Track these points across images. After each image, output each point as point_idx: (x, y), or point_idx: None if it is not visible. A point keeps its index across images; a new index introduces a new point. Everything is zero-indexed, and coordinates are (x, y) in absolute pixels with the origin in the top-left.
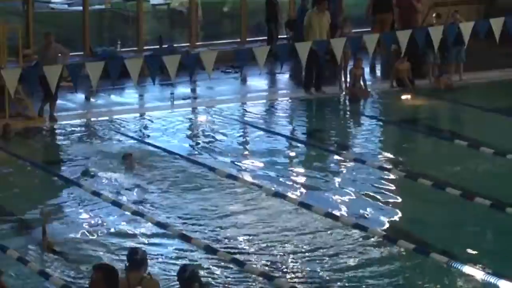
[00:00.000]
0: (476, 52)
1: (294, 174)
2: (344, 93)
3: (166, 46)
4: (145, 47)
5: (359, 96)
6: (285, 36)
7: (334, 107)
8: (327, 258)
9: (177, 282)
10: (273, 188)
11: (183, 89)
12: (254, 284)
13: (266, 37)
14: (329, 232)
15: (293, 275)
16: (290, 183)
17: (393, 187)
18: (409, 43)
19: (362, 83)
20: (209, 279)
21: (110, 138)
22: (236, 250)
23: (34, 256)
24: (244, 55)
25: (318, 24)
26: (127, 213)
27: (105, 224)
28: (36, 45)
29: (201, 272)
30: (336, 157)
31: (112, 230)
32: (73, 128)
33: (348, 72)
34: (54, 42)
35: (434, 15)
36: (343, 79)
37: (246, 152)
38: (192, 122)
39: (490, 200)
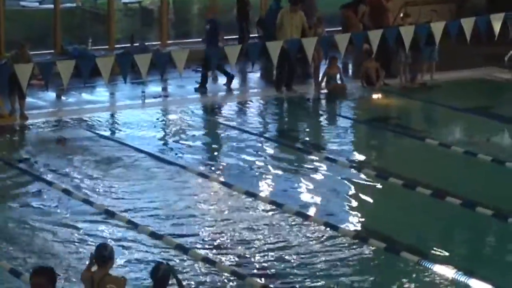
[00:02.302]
0: (447, 51)
1: (265, 173)
2: (314, 92)
3: (137, 44)
4: (116, 45)
5: (337, 93)
6: (256, 35)
7: (306, 106)
8: (298, 257)
9: (149, 280)
10: (244, 187)
11: (154, 88)
12: (225, 282)
13: (237, 36)
14: (300, 231)
15: (264, 274)
16: (261, 181)
17: (364, 186)
18: (380, 43)
19: (339, 81)
20: (181, 277)
21: (81, 136)
22: (207, 249)
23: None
24: (215, 54)
25: (290, 23)
26: (98, 211)
27: (74, 222)
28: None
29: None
30: (307, 156)
31: (82, 228)
32: (44, 126)
33: (323, 72)
34: (27, 51)
35: (401, 14)
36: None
37: (217, 151)
38: (163, 120)
39: (461, 200)
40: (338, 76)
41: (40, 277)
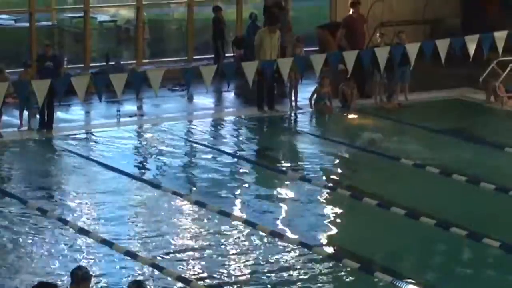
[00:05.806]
0: (422, 72)
1: (239, 192)
2: (293, 111)
3: (112, 63)
4: (91, 64)
5: (324, 113)
6: (232, 54)
7: (281, 125)
8: (272, 276)
9: None
10: (218, 206)
11: (130, 107)
12: None
13: (212, 55)
14: (274, 250)
15: None
16: (235, 201)
17: (338, 206)
18: (355, 63)
19: (327, 100)
20: None
21: (56, 154)
22: (182, 268)
23: None
24: (190, 73)
25: (269, 43)
26: (73, 230)
27: (49, 240)
28: None
29: None
30: (281, 175)
31: (57, 247)
32: (18, 144)
33: (314, 90)
34: (5, 74)
35: (378, 35)
36: (293, 98)
37: (192, 170)
38: (138, 139)
39: (435, 220)
40: (327, 95)
41: None
